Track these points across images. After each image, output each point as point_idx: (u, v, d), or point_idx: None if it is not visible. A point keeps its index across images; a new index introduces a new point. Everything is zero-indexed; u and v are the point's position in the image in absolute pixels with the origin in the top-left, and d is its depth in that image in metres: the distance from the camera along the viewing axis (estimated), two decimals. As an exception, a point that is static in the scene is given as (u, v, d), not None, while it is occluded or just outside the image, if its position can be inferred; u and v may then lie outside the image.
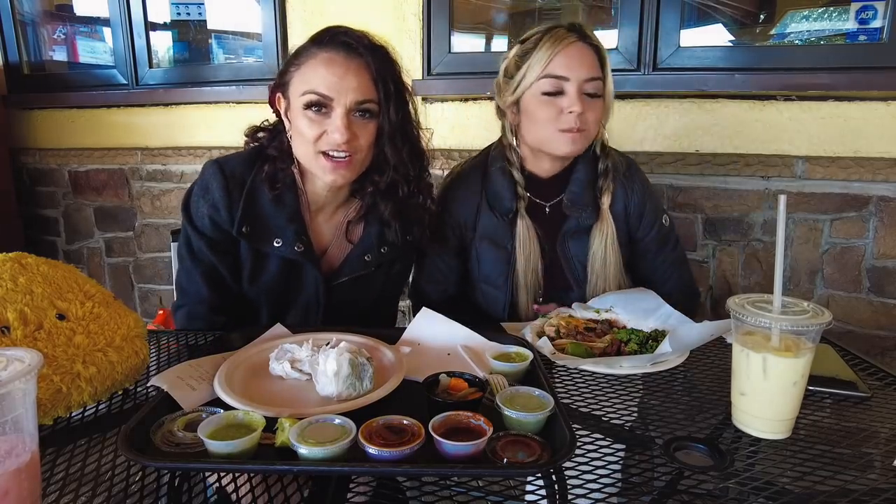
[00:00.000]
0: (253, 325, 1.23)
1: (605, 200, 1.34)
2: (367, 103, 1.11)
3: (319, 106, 1.09)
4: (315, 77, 1.10)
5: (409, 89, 1.21)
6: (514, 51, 1.30)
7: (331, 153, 1.11)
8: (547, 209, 1.37)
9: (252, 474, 0.70)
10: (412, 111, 1.22)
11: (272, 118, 1.26)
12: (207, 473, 0.70)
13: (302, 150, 1.15)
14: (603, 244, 1.33)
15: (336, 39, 1.12)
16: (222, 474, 0.70)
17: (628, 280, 1.41)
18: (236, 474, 0.70)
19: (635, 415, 0.86)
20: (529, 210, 1.34)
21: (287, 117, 1.18)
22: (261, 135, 1.25)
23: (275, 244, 1.17)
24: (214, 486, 0.70)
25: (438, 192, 1.39)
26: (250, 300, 1.25)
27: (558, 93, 1.23)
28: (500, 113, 1.37)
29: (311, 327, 1.09)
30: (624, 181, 1.36)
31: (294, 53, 1.17)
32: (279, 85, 1.18)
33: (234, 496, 0.69)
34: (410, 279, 1.48)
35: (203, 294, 1.20)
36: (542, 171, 1.36)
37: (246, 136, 1.27)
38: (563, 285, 1.38)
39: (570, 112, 1.22)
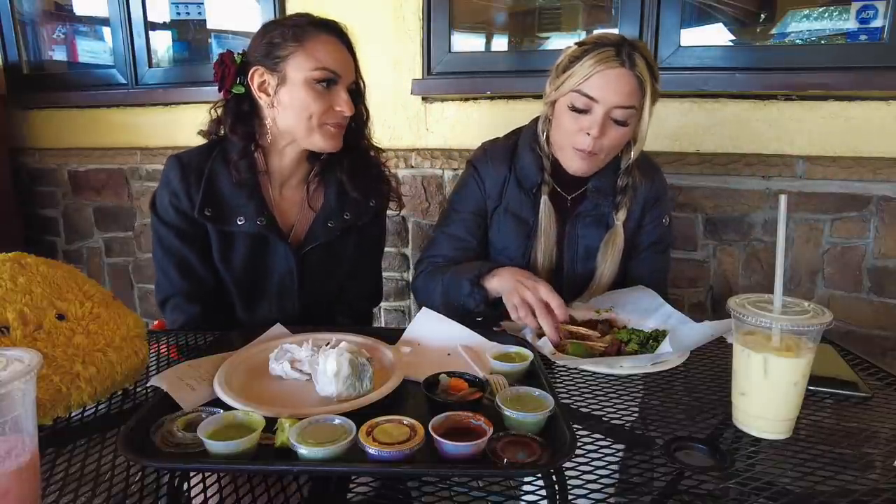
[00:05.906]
0: (230, 316, 1.31)
1: (620, 216, 1.34)
2: (354, 84, 1.26)
3: (329, 81, 1.19)
4: (326, 55, 1.18)
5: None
6: (570, 50, 1.26)
7: (334, 125, 1.21)
8: (569, 201, 1.37)
9: (252, 474, 0.69)
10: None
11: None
12: (207, 473, 0.70)
13: (298, 120, 1.19)
14: (604, 262, 1.34)
15: (330, 26, 1.22)
16: (222, 474, 0.70)
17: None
18: (236, 474, 0.70)
19: (636, 415, 0.86)
20: (553, 197, 1.34)
21: (267, 92, 1.20)
22: (208, 127, 1.32)
23: (237, 222, 1.24)
24: (214, 485, 0.70)
25: (471, 157, 1.43)
26: (226, 289, 1.29)
27: (585, 111, 1.22)
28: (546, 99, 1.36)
29: (310, 326, 1.08)
30: (645, 176, 1.37)
31: (288, 33, 1.17)
32: (265, 58, 1.18)
33: (234, 496, 0.69)
34: (415, 252, 1.46)
35: (178, 284, 1.26)
36: None
37: (201, 134, 1.33)
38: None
39: (588, 133, 1.21)
